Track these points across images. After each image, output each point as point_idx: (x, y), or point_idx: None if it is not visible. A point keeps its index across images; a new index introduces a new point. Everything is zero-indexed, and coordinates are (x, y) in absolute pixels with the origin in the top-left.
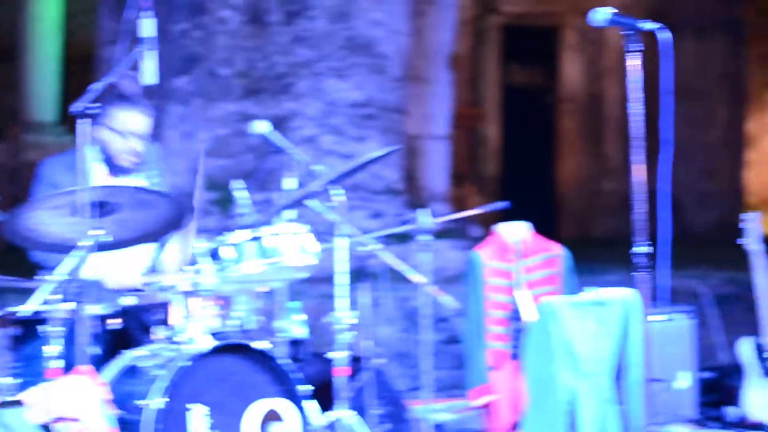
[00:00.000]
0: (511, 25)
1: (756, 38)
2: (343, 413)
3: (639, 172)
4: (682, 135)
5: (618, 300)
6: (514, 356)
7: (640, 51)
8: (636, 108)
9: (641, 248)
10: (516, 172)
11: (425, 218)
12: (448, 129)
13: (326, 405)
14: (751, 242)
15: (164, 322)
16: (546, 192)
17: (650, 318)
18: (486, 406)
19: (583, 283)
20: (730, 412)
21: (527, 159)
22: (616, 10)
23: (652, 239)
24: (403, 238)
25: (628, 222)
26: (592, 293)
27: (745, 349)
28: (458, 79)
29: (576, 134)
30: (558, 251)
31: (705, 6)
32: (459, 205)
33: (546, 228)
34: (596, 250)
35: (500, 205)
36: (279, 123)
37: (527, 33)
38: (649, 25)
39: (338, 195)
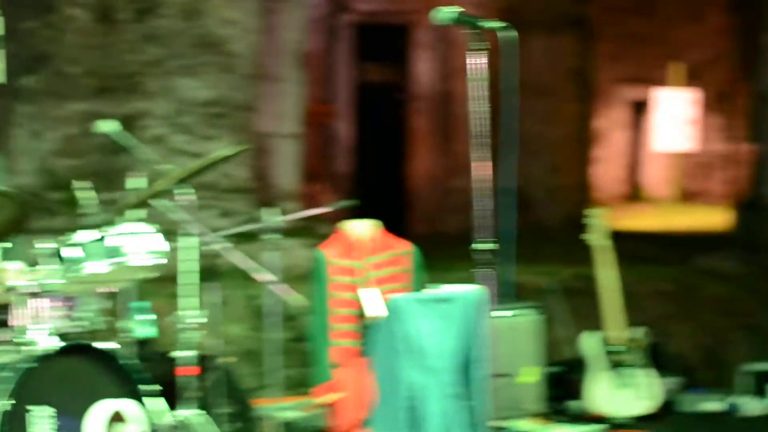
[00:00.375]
0: (363, 23)
1: (603, 36)
2: (190, 412)
3: (482, 169)
4: (531, 131)
5: (463, 296)
6: (361, 353)
7: (483, 49)
8: (479, 106)
9: (483, 245)
10: (368, 169)
11: (273, 217)
12: (299, 127)
13: (174, 404)
14: (595, 237)
15: (6, 323)
16: (398, 189)
17: (497, 314)
18: (332, 403)
19: (435, 279)
20: (574, 405)
21: (380, 156)
22: (461, 9)
23: (502, 235)
24: (253, 236)
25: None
26: (438, 290)
27: (589, 343)
28: (310, 76)
29: (427, 132)
30: (407, 248)
31: (554, 4)
32: (311, 202)
33: (398, 225)
34: (447, 247)
35: (348, 203)
36: (129, 122)
37: (380, 31)
38: (492, 24)
39: (187, 194)
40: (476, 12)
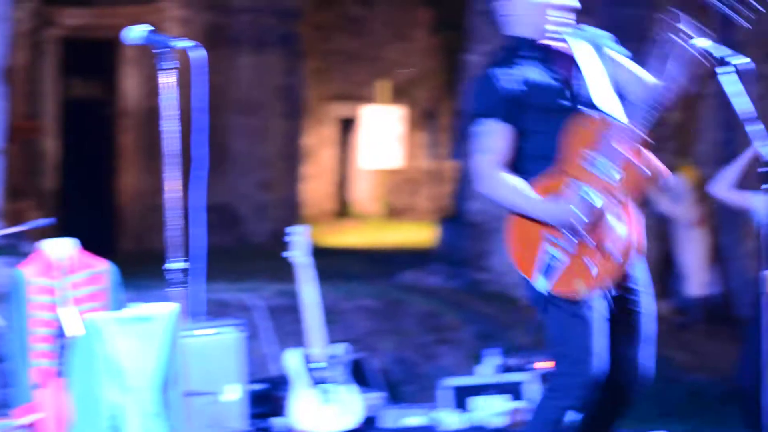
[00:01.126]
0: (69, 38)
1: (311, 53)
2: None
3: (173, 188)
4: (241, 148)
5: (162, 315)
6: (60, 373)
7: (172, 68)
8: (170, 125)
9: (175, 264)
10: (76, 186)
11: None
12: (3, 143)
13: None
14: (297, 255)
15: None
16: (106, 206)
17: (197, 332)
18: (32, 424)
19: (141, 298)
20: (278, 422)
21: (87, 173)
22: (150, 28)
23: (194, 253)
24: None
25: (188, 236)
26: (137, 308)
27: (292, 360)
28: (15, 92)
29: (134, 149)
30: (104, 267)
31: (262, 21)
32: (17, 220)
33: (106, 242)
34: (155, 265)
35: (47, 221)
36: None
37: (86, 46)
38: (182, 43)
39: None
40: (183, 30)
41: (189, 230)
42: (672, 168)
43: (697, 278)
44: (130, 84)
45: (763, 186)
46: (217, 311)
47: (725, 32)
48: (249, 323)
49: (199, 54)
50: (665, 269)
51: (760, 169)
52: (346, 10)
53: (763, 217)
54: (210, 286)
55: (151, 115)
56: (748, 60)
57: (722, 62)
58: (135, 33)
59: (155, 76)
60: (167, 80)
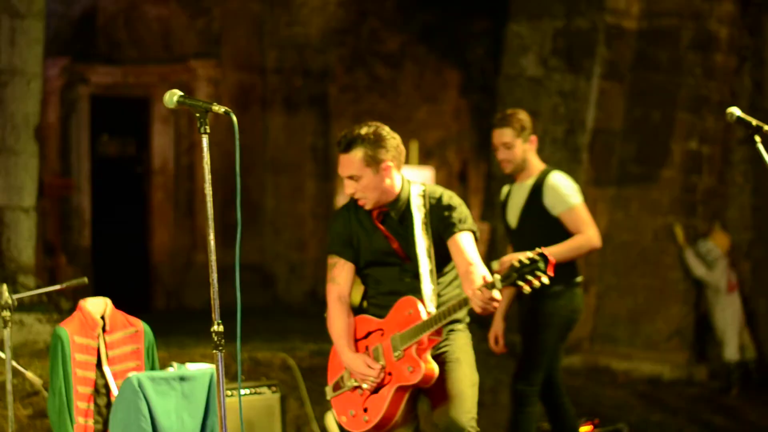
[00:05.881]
0: (101, 96)
1: (341, 114)
2: None
3: (211, 248)
4: (276, 207)
5: (202, 375)
6: None
7: (205, 132)
8: (207, 187)
9: (216, 326)
10: (109, 243)
11: (3, 293)
12: (35, 200)
13: None
14: None
15: None
16: (139, 263)
17: (236, 392)
18: None
19: (174, 356)
20: None
21: (120, 230)
22: (181, 93)
23: (235, 312)
24: None
25: (221, 294)
26: (177, 368)
27: (329, 421)
28: (47, 149)
29: (167, 206)
30: (139, 326)
31: (292, 81)
32: (51, 276)
33: (139, 300)
34: (189, 322)
35: (81, 280)
36: None
37: (118, 103)
38: (214, 107)
39: None
40: (213, 89)
41: (226, 290)
42: (704, 234)
43: (732, 343)
44: (161, 142)
45: None
46: (252, 371)
47: (755, 98)
48: (284, 383)
49: (231, 117)
50: (701, 334)
51: None
52: (375, 72)
53: None
54: (246, 346)
55: (183, 172)
56: None
57: (757, 130)
58: (168, 96)
59: (186, 134)
60: (203, 142)
